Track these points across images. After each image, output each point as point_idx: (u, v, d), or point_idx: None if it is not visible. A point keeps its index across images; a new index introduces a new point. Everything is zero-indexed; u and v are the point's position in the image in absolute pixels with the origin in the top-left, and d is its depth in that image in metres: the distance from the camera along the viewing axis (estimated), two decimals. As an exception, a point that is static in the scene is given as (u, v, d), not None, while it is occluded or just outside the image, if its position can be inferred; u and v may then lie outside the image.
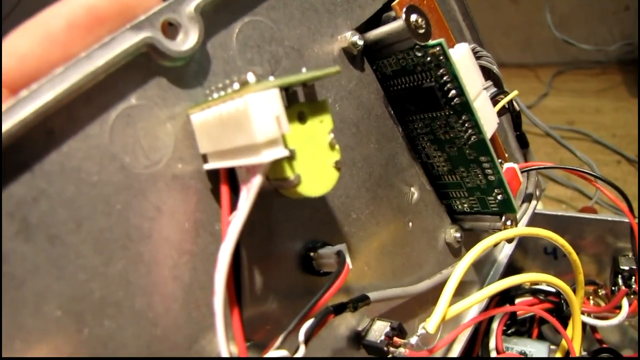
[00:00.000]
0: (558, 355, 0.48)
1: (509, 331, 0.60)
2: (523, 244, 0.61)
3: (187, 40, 0.29)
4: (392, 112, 0.41)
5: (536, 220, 0.57)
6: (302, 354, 0.28)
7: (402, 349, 0.37)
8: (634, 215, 0.43)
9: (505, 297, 0.59)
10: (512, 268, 0.65)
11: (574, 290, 0.44)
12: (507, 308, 0.55)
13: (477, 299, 0.37)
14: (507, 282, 0.39)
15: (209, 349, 0.30)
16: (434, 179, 0.45)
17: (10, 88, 0.24)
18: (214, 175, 0.30)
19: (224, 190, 0.28)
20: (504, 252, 0.53)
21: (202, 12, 0.29)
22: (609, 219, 0.57)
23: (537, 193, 0.56)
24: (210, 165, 0.29)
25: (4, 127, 0.23)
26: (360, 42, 0.37)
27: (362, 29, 0.39)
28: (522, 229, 0.42)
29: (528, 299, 0.58)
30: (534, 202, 0.54)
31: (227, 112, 0.26)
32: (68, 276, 0.25)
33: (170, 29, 0.28)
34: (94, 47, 0.25)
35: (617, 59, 1.25)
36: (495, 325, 0.56)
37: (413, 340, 0.36)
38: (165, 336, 0.28)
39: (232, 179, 0.29)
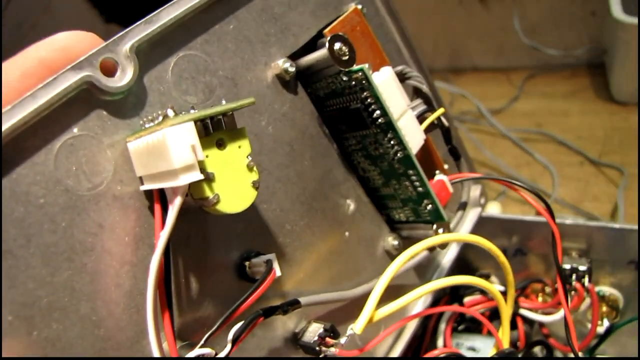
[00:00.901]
0: (493, 350, 0.52)
1: (460, 327, 0.64)
2: (476, 246, 0.65)
3: (124, 76, 0.33)
4: (326, 131, 0.45)
5: (487, 224, 0.62)
6: (226, 353, 0.33)
7: (333, 349, 0.41)
8: (553, 219, 0.47)
9: (455, 296, 0.64)
10: (468, 269, 0.70)
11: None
12: (442, 308, 0.59)
13: (404, 302, 0.41)
14: (433, 285, 0.43)
15: (148, 348, 0.34)
16: (372, 191, 0.49)
17: None
18: (150, 194, 0.34)
19: (157, 208, 0.33)
20: (447, 257, 0.57)
21: (137, 51, 0.33)
22: (553, 221, 0.62)
23: (482, 200, 0.61)
24: (145, 186, 0.33)
25: None
26: (292, 69, 0.42)
27: (298, 55, 0.43)
28: (445, 235, 0.46)
29: (477, 297, 0.62)
30: (476, 210, 0.59)
31: (151, 142, 0.30)
32: (18, 285, 0.29)
33: (109, 66, 0.33)
34: (38, 87, 0.30)
35: (586, 62, 1.30)
36: (443, 325, 0.61)
37: (343, 340, 0.41)
38: (108, 337, 0.33)
39: (164, 199, 0.33)
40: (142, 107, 0.34)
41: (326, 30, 0.44)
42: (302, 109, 0.44)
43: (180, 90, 0.36)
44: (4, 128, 0.28)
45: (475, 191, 0.61)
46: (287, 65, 0.42)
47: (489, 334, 0.64)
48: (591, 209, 0.94)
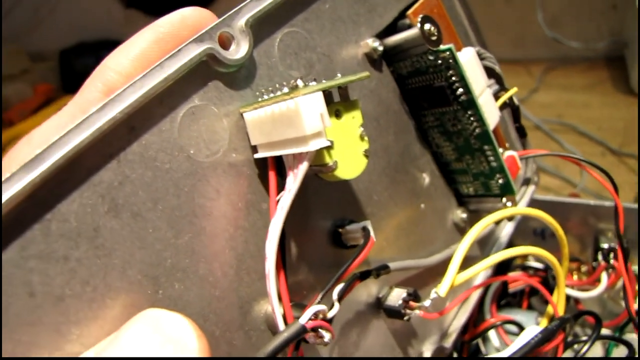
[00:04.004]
0: (544, 320, 0.52)
1: (502, 302, 0.65)
2: (517, 228, 0.65)
3: (239, 50, 0.33)
4: (407, 108, 0.46)
5: (532, 206, 0.62)
6: (337, 310, 0.33)
7: (417, 311, 0.42)
8: (616, 191, 0.47)
9: (500, 274, 0.64)
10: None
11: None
12: (504, 277, 0.59)
13: (483, 266, 0.42)
14: (507, 253, 0.44)
15: (257, 308, 0.35)
16: (443, 166, 0.49)
17: None
18: (261, 163, 0.34)
19: (272, 175, 0.33)
20: (505, 231, 0.58)
21: (250, 26, 0.33)
22: (591, 203, 0.63)
23: (535, 179, 0.61)
24: (260, 154, 0.33)
25: (97, 125, 0.27)
26: (380, 48, 0.42)
27: (381, 35, 0.43)
28: (517, 208, 0.47)
29: (518, 273, 0.63)
30: (532, 187, 0.59)
31: (279, 111, 0.30)
32: (147, 246, 0.30)
33: (226, 40, 0.33)
34: (164, 58, 0.30)
35: (605, 55, 1.29)
36: (488, 300, 0.61)
37: (427, 303, 0.41)
38: (222, 297, 0.33)
39: (279, 167, 0.33)
40: (253, 79, 0.35)
41: (410, 12, 0.44)
42: (387, 86, 0.44)
43: (285, 65, 0.36)
44: (137, 96, 0.29)
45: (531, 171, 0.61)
46: (377, 44, 0.42)
47: (529, 308, 0.65)
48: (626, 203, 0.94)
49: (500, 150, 0.49)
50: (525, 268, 0.64)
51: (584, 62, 1.30)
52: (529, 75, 1.34)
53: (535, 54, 1.39)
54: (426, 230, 0.48)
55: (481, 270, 0.42)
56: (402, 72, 0.44)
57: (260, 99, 0.33)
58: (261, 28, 0.35)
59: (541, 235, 0.67)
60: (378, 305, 0.43)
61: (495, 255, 0.43)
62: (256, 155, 0.34)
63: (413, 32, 0.41)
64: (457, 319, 0.52)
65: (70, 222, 0.27)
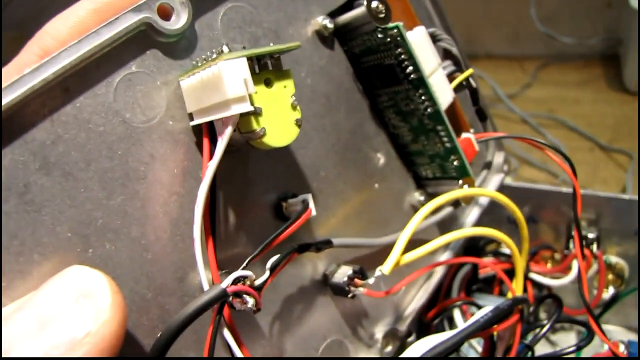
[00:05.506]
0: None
1: (473, 287, 0.66)
2: (490, 213, 0.66)
3: (179, 20, 0.35)
4: (360, 87, 0.48)
5: (503, 192, 0.64)
6: (265, 279, 0.35)
7: (361, 289, 0.44)
8: (576, 177, 0.49)
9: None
10: (482, 237, 0.71)
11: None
12: (462, 259, 0.60)
13: (428, 248, 0.44)
14: (456, 234, 0.46)
15: (192, 275, 0.37)
16: (402, 148, 0.51)
17: None
18: (199, 131, 0.36)
19: (205, 142, 0.35)
20: (470, 218, 0.60)
21: (190, -2, 0.36)
22: (564, 190, 0.64)
23: (505, 168, 0.63)
24: (196, 121, 0.36)
25: (29, 84, 0.30)
26: (330, 25, 0.44)
27: (336, 14, 0.45)
28: (468, 189, 0.49)
29: (490, 259, 0.65)
30: (501, 174, 0.61)
31: (206, 76, 0.33)
32: (78, 205, 0.32)
33: (165, 11, 0.35)
34: (101, 25, 0.32)
35: (599, 53, 1.32)
36: (456, 284, 0.63)
37: (371, 281, 0.43)
38: (155, 260, 0.35)
39: (212, 134, 0.35)
40: (193, 50, 0.37)
41: (363, -9, 0.46)
42: (338, 64, 0.46)
43: (228, 38, 0.39)
44: (71, 59, 0.31)
45: (499, 158, 0.63)
46: (326, 22, 0.44)
47: (500, 295, 0.66)
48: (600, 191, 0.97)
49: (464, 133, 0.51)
50: (497, 254, 0.66)
51: (579, 59, 1.33)
52: (523, 71, 1.37)
53: (530, 50, 1.41)
54: (380, 211, 0.50)
55: (428, 251, 0.44)
56: (355, 51, 0.47)
57: (196, 66, 0.35)
58: (204, 1, 0.37)
59: (514, 224, 0.69)
60: (325, 283, 0.46)
61: (444, 236, 0.45)
62: (192, 123, 0.36)
63: (360, 10, 0.43)
64: (414, 302, 0.54)
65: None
